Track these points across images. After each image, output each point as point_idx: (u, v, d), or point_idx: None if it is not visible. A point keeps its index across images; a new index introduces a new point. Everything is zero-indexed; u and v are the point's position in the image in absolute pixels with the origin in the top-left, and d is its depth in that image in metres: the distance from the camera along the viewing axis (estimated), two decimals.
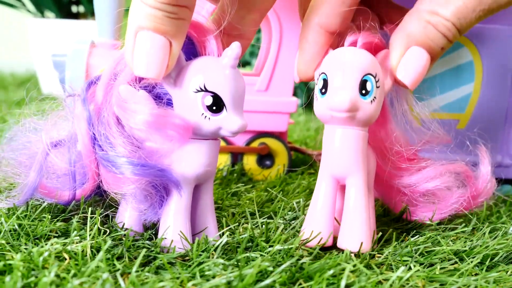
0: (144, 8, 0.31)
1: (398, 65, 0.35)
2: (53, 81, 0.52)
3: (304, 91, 1.15)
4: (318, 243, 0.35)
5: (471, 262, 0.35)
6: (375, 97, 0.34)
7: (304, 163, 0.62)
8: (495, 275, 0.33)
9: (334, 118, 0.34)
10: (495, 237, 0.40)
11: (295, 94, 1.18)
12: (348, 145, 0.35)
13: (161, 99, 0.35)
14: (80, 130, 0.35)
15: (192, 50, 0.35)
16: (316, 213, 0.36)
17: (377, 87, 0.34)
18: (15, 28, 1.71)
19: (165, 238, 0.34)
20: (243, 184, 0.52)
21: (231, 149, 0.56)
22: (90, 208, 0.37)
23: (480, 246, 0.37)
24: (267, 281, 0.29)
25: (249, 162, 0.57)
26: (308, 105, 1.19)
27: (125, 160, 0.33)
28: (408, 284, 0.31)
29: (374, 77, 0.34)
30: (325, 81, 0.35)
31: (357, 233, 0.35)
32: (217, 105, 0.33)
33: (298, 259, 0.33)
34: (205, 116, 0.33)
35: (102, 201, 0.41)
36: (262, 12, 0.38)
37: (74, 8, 1.30)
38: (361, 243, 0.35)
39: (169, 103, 0.34)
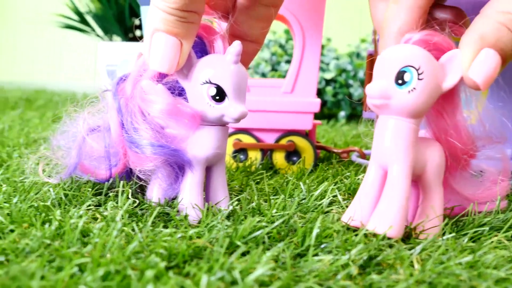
0: (159, 13, 0.37)
1: (470, 67, 0.35)
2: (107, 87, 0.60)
3: (348, 104, 1.19)
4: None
5: None
6: (414, 88, 0.35)
7: (329, 159, 0.67)
8: None
9: (372, 106, 0.37)
10: None
11: (340, 106, 1.23)
12: (389, 134, 0.36)
13: (176, 92, 0.41)
14: (112, 118, 0.42)
15: (203, 48, 0.41)
16: (360, 196, 0.38)
17: (420, 79, 0.35)
18: (86, 52, 1.86)
19: (181, 200, 0.40)
20: (266, 173, 0.57)
21: (261, 145, 0.62)
22: (122, 182, 0.43)
23: None
24: (258, 232, 0.34)
25: (278, 158, 0.62)
26: (351, 117, 1.23)
27: (146, 141, 0.39)
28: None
29: (417, 70, 0.36)
30: (371, 75, 0.37)
31: (388, 218, 0.36)
32: (219, 95, 0.39)
33: (291, 219, 0.37)
34: (210, 105, 0.39)
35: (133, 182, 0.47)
36: (267, 20, 0.43)
37: (138, 32, 1.42)
38: (390, 226, 0.35)
39: (181, 94, 0.41)
